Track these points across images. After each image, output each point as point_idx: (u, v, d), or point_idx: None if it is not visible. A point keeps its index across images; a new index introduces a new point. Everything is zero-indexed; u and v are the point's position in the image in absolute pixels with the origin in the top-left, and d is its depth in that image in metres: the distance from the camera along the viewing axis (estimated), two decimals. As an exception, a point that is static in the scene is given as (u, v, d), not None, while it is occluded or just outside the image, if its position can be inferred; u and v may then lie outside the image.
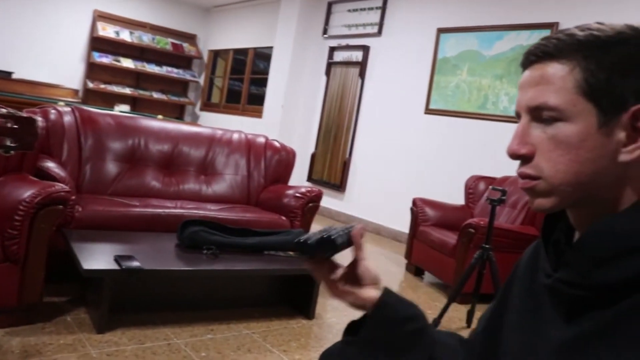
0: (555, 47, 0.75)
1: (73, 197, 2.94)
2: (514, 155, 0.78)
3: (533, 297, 0.85)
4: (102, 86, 8.93)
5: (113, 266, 2.46)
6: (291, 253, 3.10)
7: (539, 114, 0.76)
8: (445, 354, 0.98)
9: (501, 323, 0.91)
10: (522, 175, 0.78)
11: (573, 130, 0.73)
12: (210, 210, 3.54)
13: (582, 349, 0.71)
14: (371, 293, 0.97)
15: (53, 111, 3.44)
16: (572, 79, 0.73)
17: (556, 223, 0.85)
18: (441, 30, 5.83)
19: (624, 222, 0.71)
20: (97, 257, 2.62)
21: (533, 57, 0.78)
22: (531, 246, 0.94)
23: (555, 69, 0.74)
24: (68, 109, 3.62)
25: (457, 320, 3.50)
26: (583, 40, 0.73)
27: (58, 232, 2.77)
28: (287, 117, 7.42)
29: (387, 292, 0.98)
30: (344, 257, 0.96)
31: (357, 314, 1.00)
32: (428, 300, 3.90)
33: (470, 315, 3.32)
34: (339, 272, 0.98)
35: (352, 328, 1.00)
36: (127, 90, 9.17)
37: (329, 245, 0.91)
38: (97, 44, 8.88)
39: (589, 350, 0.70)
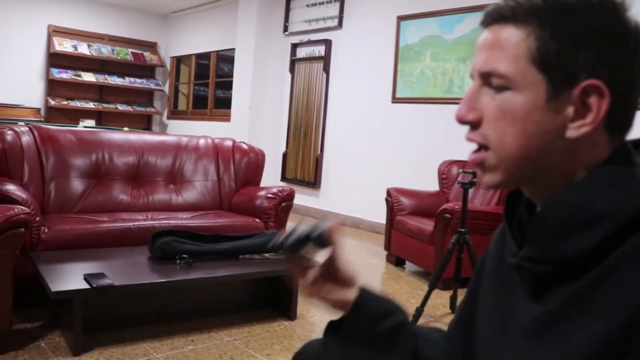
0: (512, 10, 0.70)
1: (37, 219, 2.85)
2: (461, 121, 0.77)
3: (503, 279, 0.83)
4: (65, 102, 8.74)
5: (83, 285, 2.38)
6: (267, 255, 3.04)
7: (489, 79, 0.73)
8: (428, 347, 0.96)
9: (475, 309, 0.89)
10: (470, 140, 0.76)
11: (521, 101, 0.70)
12: (182, 219, 3.47)
13: (550, 326, 0.68)
14: (348, 294, 0.94)
15: (10, 132, 3.32)
16: (525, 46, 0.69)
17: (518, 201, 0.82)
18: (401, 18, 5.81)
19: (578, 193, 0.68)
20: (66, 278, 2.53)
21: (490, 18, 0.74)
22: (499, 228, 0.92)
23: (510, 34, 0.70)
24: (26, 128, 3.52)
25: (440, 307, 3.48)
26: (541, 5, 0.68)
27: (24, 256, 2.68)
28: (255, 118, 7.35)
29: (363, 291, 0.96)
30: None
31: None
32: (410, 289, 3.88)
33: (453, 300, 3.30)
34: (314, 272, 0.94)
35: (332, 330, 0.97)
36: (91, 105, 9.00)
37: (299, 244, 0.90)
38: (55, 59, 8.68)
39: (557, 327, 0.67)
